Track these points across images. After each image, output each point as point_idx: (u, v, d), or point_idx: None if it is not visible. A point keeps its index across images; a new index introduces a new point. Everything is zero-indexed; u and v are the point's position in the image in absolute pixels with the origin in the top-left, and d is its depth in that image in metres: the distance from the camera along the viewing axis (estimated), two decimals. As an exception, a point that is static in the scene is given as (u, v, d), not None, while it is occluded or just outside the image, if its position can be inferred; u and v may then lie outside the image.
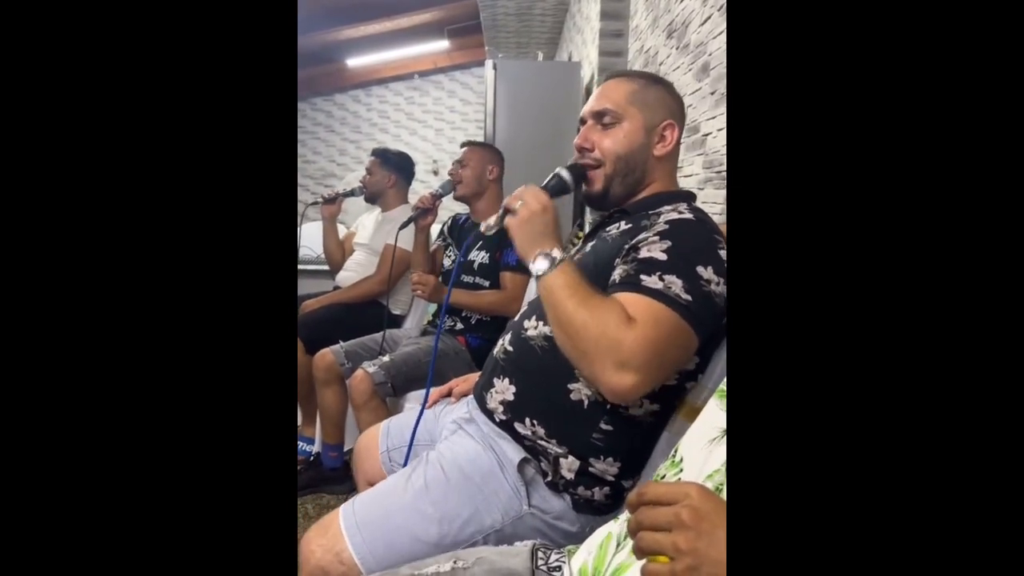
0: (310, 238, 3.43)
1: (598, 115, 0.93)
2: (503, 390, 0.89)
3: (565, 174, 0.92)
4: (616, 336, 0.71)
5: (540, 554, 0.70)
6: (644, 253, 0.79)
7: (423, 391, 1.57)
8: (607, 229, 0.93)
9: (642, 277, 0.76)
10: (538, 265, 0.79)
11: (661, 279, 0.75)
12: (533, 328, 0.89)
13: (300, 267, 3.41)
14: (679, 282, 0.75)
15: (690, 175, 1.55)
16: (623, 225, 0.90)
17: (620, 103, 0.91)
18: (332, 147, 6.47)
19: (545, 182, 0.90)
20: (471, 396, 1.00)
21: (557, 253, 0.79)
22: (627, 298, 0.75)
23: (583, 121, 0.96)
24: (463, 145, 1.89)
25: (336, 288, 2.21)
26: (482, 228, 0.88)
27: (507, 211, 0.83)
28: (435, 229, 1.90)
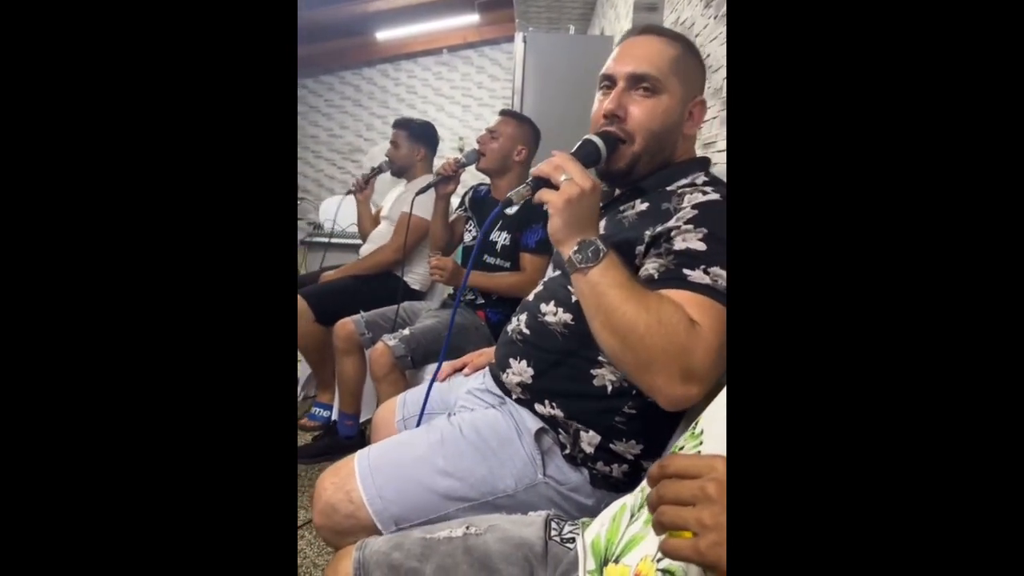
0: (334, 211, 3.45)
1: (635, 79, 0.81)
2: (520, 371, 0.87)
3: (599, 143, 0.79)
4: (686, 344, 0.64)
5: (554, 525, 0.69)
6: (680, 244, 0.71)
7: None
8: (621, 209, 0.85)
9: (685, 272, 0.69)
10: (580, 256, 0.69)
11: (706, 272, 0.69)
12: (552, 314, 0.85)
13: (322, 240, 3.44)
14: (724, 273, 0.69)
15: (724, 150, 1.49)
16: (639, 204, 0.83)
17: (664, 70, 0.80)
18: (359, 122, 6.46)
19: (575, 149, 0.77)
20: (487, 369, 0.99)
21: (602, 244, 0.69)
22: (680, 296, 0.68)
23: (610, 80, 0.84)
24: (501, 113, 1.80)
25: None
26: (512, 196, 0.77)
27: (540, 180, 0.72)
28: (455, 200, 1.87)
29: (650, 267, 0.73)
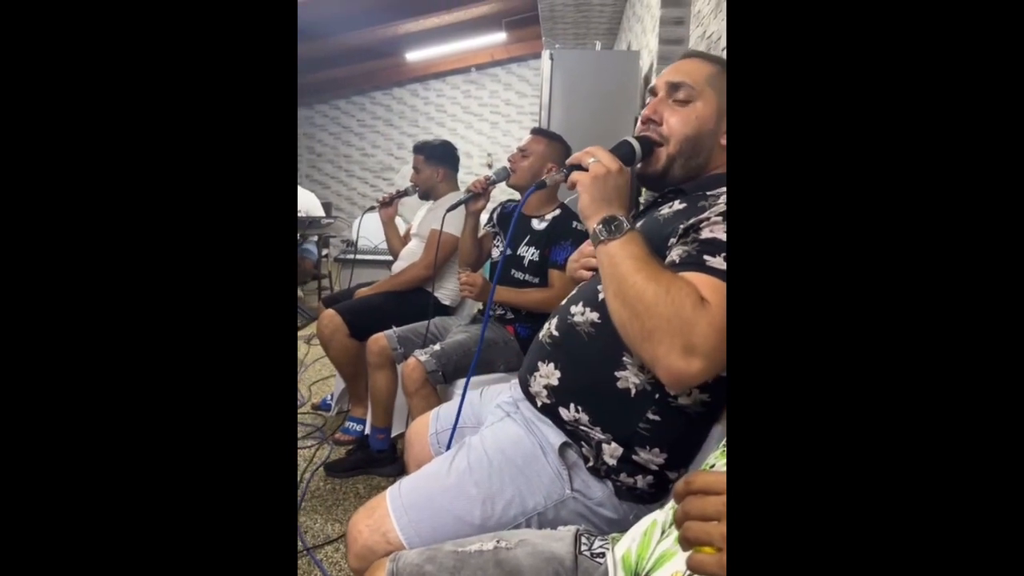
0: (368, 229, 3.53)
1: (673, 87, 0.88)
2: (548, 374, 0.88)
3: (634, 143, 0.87)
4: (690, 318, 0.66)
5: (583, 540, 0.69)
6: (706, 234, 0.73)
7: (472, 378, 1.60)
8: (659, 209, 0.89)
9: (706, 257, 0.71)
10: (603, 228, 0.74)
11: (726, 261, 0.70)
12: (580, 314, 0.87)
13: (359, 257, 3.52)
14: None
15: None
16: (677, 204, 0.86)
17: (698, 81, 0.87)
18: (391, 141, 6.60)
19: (612, 148, 0.84)
20: (515, 381, 1.00)
21: (625, 219, 0.74)
22: (695, 278, 0.70)
23: (653, 93, 0.91)
24: (532, 132, 1.83)
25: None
26: (546, 179, 0.89)
27: (573, 167, 0.79)
28: (483, 216, 1.90)
29: (674, 254, 0.76)
